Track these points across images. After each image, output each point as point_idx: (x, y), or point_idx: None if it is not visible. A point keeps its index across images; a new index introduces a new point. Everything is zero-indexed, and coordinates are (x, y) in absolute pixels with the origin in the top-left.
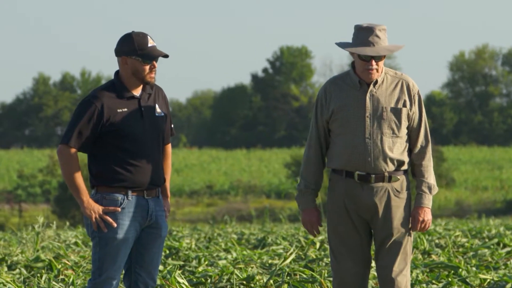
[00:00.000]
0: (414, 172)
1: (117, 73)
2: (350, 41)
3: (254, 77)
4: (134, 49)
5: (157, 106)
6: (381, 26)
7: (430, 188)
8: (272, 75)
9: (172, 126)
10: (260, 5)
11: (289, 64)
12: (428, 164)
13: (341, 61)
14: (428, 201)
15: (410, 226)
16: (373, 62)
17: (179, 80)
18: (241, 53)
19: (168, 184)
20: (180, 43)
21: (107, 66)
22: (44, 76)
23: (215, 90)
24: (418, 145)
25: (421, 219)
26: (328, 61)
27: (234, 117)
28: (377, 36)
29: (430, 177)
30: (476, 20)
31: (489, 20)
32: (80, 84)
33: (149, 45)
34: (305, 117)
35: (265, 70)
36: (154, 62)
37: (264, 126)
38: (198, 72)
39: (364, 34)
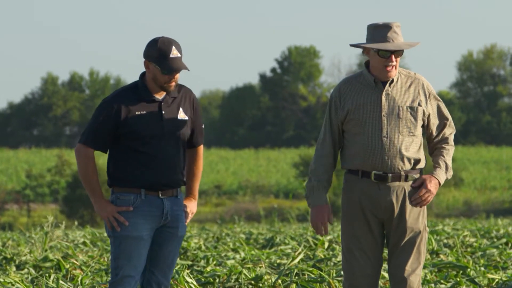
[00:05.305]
0: (434, 154)
1: (143, 74)
2: (363, 41)
3: (263, 77)
4: (155, 57)
5: (181, 109)
6: (397, 23)
7: (446, 167)
8: (281, 75)
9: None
10: (268, 4)
11: (297, 64)
12: (450, 149)
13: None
14: (441, 175)
15: (423, 225)
16: (393, 58)
17: (187, 79)
18: (250, 52)
19: (196, 186)
20: (188, 43)
21: (115, 66)
22: (52, 76)
23: (224, 90)
24: (440, 135)
25: (428, 186)
26: (337, 61)
27: (243, 117)
28: (395, 33)
29: (449, 159)
30: (484, 20)
31: (497, 20)
32: (89, 84)
33: (171, 55)
34: (314, 117)
35: (273, 70)
36: (174, 73)
37: (273, 126)
38: (207, 72)
39: (381, 31)
